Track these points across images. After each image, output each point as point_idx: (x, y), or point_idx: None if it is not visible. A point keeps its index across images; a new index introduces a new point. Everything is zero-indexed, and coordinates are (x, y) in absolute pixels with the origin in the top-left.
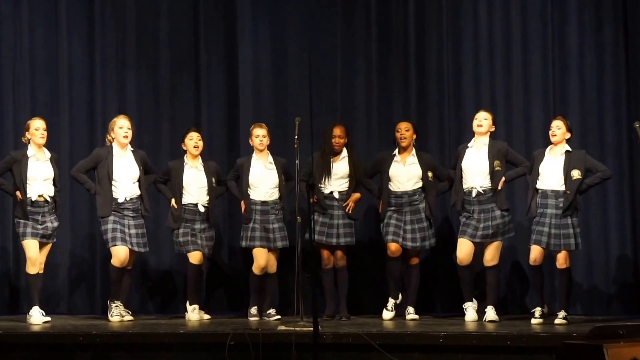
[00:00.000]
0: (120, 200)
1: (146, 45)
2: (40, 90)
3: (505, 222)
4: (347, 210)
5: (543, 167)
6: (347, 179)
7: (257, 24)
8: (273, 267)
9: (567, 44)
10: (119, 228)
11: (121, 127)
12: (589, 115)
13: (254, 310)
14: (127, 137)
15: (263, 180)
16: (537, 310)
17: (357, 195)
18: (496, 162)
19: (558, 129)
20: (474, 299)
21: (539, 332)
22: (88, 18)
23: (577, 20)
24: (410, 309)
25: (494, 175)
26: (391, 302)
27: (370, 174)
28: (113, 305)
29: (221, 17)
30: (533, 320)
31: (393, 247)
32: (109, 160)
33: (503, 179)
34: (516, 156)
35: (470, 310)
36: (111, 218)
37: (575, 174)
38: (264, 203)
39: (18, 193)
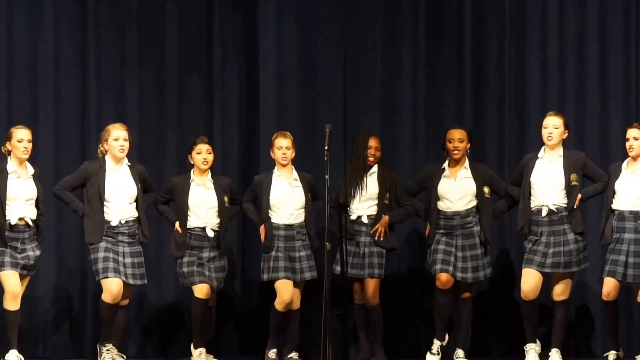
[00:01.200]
0: (113, 224)
1: (149, 38)
2: (19, 92)
3: (579, 248)
4: (376, 237)
5: (620, 184)
6: (376, 201)
7: (282, 12)
8: (297, 303)
9: None
10: (111, 257)
11: (116, 139)
12: None
13: (272, 353)
14: (123, 150)
15: (287, 200)
16: (611, 354)
17: (386, 218)
18: (573, 176)
19: (635, 139)
20: (537, 341)
21: None
22: (79, 4)
23: None
24: (460, 352)
25: (570, 191)
26: (437, 344)
27: (413, 192)
28: (104, 348)
29: (239, 4)
30: None
31: (444, 277)
32: (100, 175)
33: (579, 196)
34: (595, 169)
35: (532, 353)
36: (102, 245)
37: None
38: (288, 227)
39: None
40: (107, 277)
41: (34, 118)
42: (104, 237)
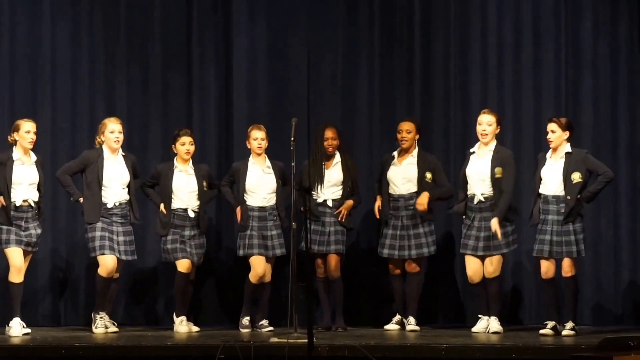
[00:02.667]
0: (109, 206)
1: (136, 39)
2: (20, 89)
3: (507, 232)
4: (339, 218)
5: (544, 171)
6: (341, 186)
7: (253, 17)
8: (268, 276)
9: (581, 40)
10: (107, 235)
11: (112, 132)
12: (602, 116)
13: (246, 320)
14: (118, 142)
15: (260, 185)
16: (550, 323)
17: (350, 202)
18: (497, 169)
19: (553, 132)
20: (493, 317)
21: (546, 344)
22: (74, 10)
23: (592, 16)
24: (411, 320)
25: (494, 182)
26: (397, 317)
27: (378, 178)
28: (98, 316)
29: (215, 10)
30: (542, 331)
31: (391, 266)
32: (99, 163)
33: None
34: (510, 174)
35: (483, 321)
36: (99, 225)
37: (576, 177)
38: (261, 209)
39: (1, 198)
40: (103, 254)
41: (33, 112)
42: (100, 218)
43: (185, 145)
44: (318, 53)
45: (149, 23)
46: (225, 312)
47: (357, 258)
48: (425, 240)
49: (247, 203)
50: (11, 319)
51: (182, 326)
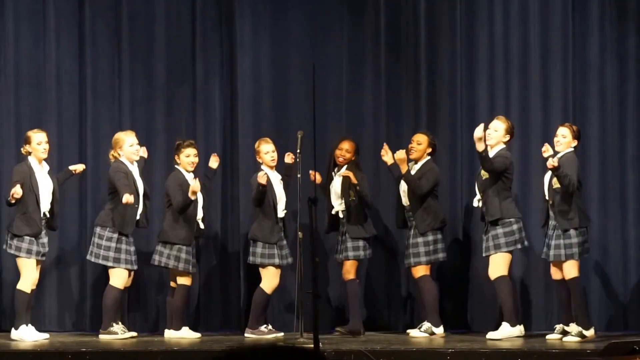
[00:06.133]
0: (137, 218)
1: (140, 54)
2: (26, 103)
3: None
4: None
5: (546, 177)
6: (342, 199)
7: (258, 32)
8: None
9: (588, 53)
10: (132, 250)
11: (132, 145)
12: (609, 128)
13: (264, 328)
14: (137, 153)
15: (281, 197)
16: (559, 327)
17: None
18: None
19: (564, 137)
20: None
21: (551, 349)
22: (78, 25)
23: (599, 29)
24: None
25: (481, 184)
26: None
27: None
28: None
29: (219, 24)
30: (549, 336)
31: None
32: (134, 176)
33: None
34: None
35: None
36: (124, 238)
37: (556, 182)
38: (281, 220)
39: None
40: (132, 267)
41: (39, 126)
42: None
43: (190, 157)
44: (323, 67)
45: (152, 39)
46: (230, 317)
47: (386, 262)
48: (408, 251)
49: (274, 216)
50: (20, 326)
51: (187, 333)
